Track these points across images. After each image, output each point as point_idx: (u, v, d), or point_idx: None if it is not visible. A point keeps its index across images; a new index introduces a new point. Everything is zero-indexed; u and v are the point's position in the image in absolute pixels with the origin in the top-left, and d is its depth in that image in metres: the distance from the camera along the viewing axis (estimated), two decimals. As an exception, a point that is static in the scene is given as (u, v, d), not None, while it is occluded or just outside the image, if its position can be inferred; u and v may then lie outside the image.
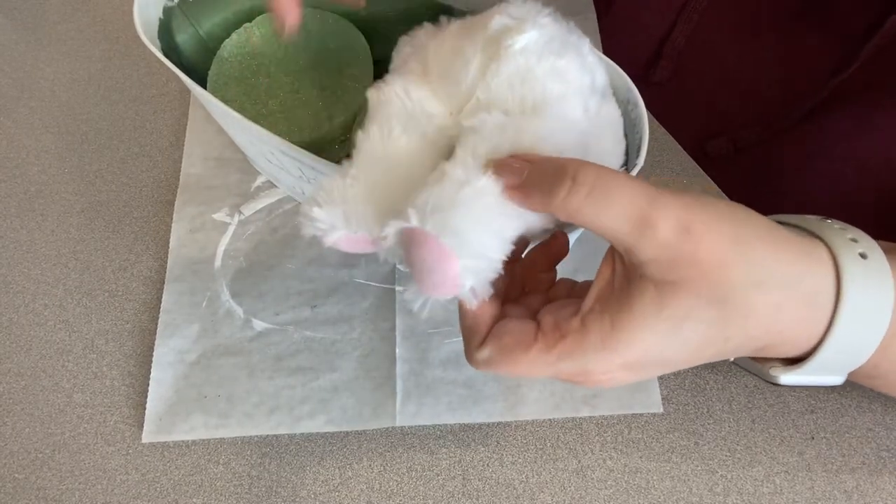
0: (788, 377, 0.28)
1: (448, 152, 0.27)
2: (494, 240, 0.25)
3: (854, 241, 0.27)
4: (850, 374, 0.29)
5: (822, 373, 0.28)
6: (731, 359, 0.30)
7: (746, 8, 0.49)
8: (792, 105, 0.47)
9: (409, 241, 0.25)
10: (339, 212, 0.28)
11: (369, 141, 0.30)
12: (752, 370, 0.31)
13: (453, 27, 0.31)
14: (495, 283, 0.26)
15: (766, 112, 0.50)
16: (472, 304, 0.26)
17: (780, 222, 0.28)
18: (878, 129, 0.44)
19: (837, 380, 0.29)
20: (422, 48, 0.31)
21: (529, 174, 0.25)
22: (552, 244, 0.31)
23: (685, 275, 0.24)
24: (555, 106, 0.27)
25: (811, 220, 0.29)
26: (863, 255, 0.26)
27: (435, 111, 0.30)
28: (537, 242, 0.31)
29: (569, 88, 0.28)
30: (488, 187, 0.25)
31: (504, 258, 0.26)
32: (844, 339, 0.26)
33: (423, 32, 0.32)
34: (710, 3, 0.50)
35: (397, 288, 0.47)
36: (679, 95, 0.53)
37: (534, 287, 0.31)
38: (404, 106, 0.30)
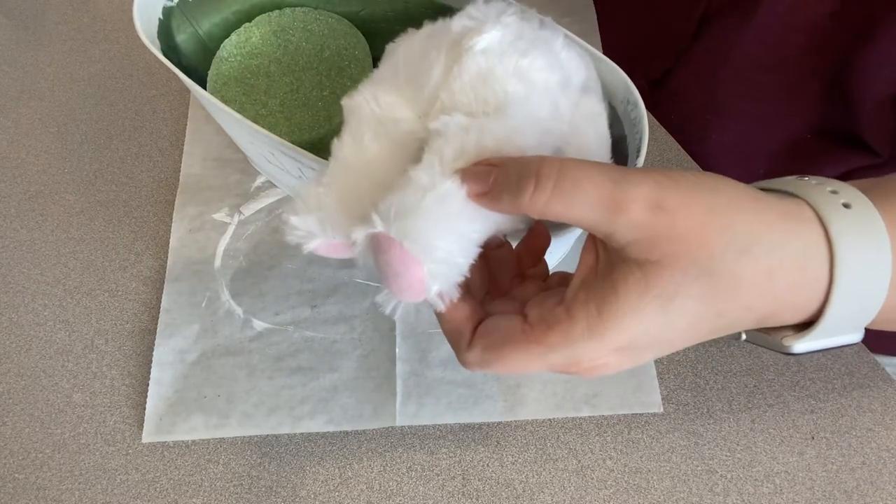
0: (802, 344, 0.27)
1: (418, 155, 0.27)
2: (459, 244, 0.25)
3: (834, 192, 0.26)
4: (869, 325, 0.28)
5: (836, 333, 0.27)
6: (743, 337, 0.30)
7: None
8: (683, 25, 0.50)
9: (376, 247, 0.26)
10: (314, 219, 0.28)
11: (342, 149, 0.30)
12: (766, 344, 0.30)
13: (423, 31, 0.31)
14: (470, 283, 0.26)
15: (668, 40, 0.52)
16: (440, 307, 0.26)
17: (759, 188, 0.27)
18: (756, 26, 0.45)
19: (855, 337, 0.28)
20: (393, 53, 0.31)
21: (495, 179, 0.25)
22: (530, 239, 0.31)
23: (667, 251, 0.24)
24: (518, 106, 0.27)
25: (788, 181, 0.28)
26: (846, 205, 0.25)
27: (403, 116, 0.30)
28: (518, 239, 0.31)
29: (533, 88, 0.28)
30: (452, 192, 0.25)
31: (471, 262, 0.26)
32: (849, 292, 0.25)
33: (406, 36, 0.32)
34: None
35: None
36: (604, 32, 0.56)
37: (523, 281, 0.31)
38: (373, 112, 0.30)
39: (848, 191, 0.26)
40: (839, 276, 0.25)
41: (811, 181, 0.27)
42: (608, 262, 0.26)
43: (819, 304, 0.26)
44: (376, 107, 0.30)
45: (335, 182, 0.29)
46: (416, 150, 0.30)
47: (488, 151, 0.26)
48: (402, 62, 0.31)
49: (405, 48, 0.31)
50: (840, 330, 0.27)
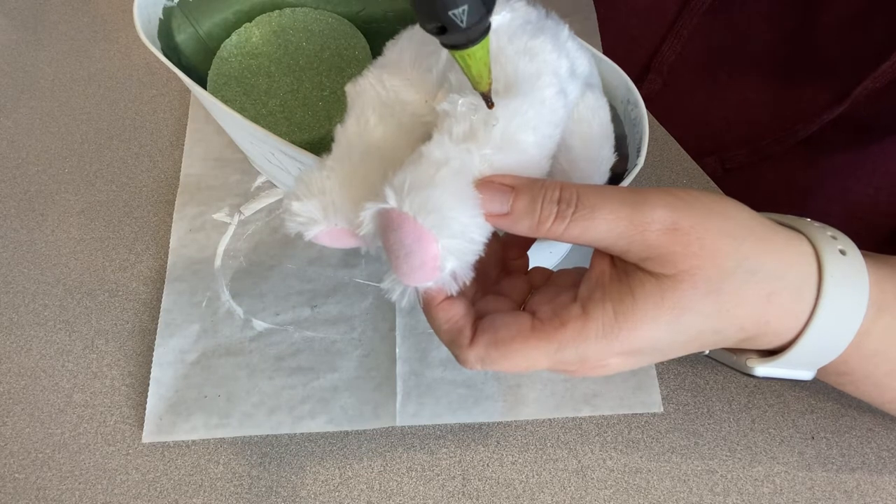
0: (764, 369, 0.29)
1: (424, 140, 0.26)
2: (474, 220, 0.25)
3: (834, 238, 0.27)
4: (821, 372, 0.30)
5: (796, 366, 0.29)
6: (706, 352, 0.31)
7: (736, 39, 0.49)
8: (781, 132, 0.48)
9: (386, 224, 0.25)
10: (316, 204, 0.27)
11: (346, 132, 0.30)
12: (727, 362, 0.31)
13: None
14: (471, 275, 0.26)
15: (755, 135, 0.50)
16: (453, 289, 0.25)
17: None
18: (870, 171, 0.44)
19: (808, 375, 0.29)
20: (397, 39, 0.31)
21: (514, 204, 0.25)
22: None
23: (681, 268, 0.24)
24: (527, 83, 0.27)
25: (791, 217, 0.29)
26: (842, 252, 0.27)
27: (410, 98, 0.30)
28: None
29: (542, 68, 0.28)
30: (466, 168, 0.25)
31: (485, 239, 0.25)
32: (822, 332, 0.27)
33: (408, 28, 0.32)
34: (701, 23, 0.49)
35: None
36: (669, 111, 0.53)
37: (508, 274, 0.32)
38: (379, 95, 0.30)
39: (845, 240, 0.28)
40: (817, 316, 0.26)
41: (813, 223, 0.28)
42: (623, 268, 0.26)
43: (794, 335, 0.27)
44: (382, 89, 0.30)
45: (339, 166, 0.28)
46: (421, 134, 0.29)
47: (497, 129, 0.26)
48: (407, 47, 0.30)
49: (409, 34, 0.31)
50: (800, 364, 0.29)
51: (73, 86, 0.57)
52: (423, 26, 0.23)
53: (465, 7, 0.21)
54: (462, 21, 0.22)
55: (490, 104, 0.25)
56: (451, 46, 0.23)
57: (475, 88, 0.25)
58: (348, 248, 0.34)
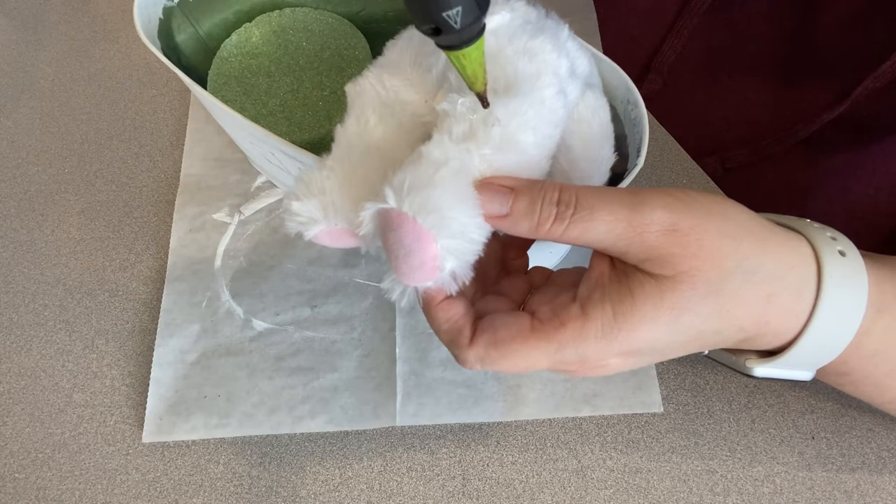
0: (763, 369, 0.29)
1: (424, 139, 0.26)
2: (474, 220, 0.25)
3: (833, 239, 0.28)
4: (821, 372, 0.30)
5: (795, 366, 0.29)
6: (706, 352, 0.31)
7: (736, 39, 0.49)
8: (781, 132, 0.48)
9: (385, 224, 0.25)
10: (316, 204, 0.27)
11: (346, 132, 0.30)
12: (726, 362, 0.32)
13: None
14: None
15: (755, 135, 0.50)
16: (452, 289, 0.25)
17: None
18: (870, 171, 0.44)
19: (807, 375, 0.30)
20: (397, 39, 0.31)
21: (513, 205, 0.25)
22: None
23: (680, 269, 0.24)
24: (527, 83, 0.27)
25: (790, 218, 0.30)
26: (842, 253, 0.27)
27: (409, 98, 0.30)
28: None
29: (542, 68, 0.28)
30: (466, 168, 0.25)
31: (485, 239, 0.25)
32: (821, 332, 0.27)
33: (408, 28, 0.32)
34: (701, 23, 0.49)
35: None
36: (669, 111, 0.53)
37: (508, 274, 0.32)
38: (379, 95, 0.30)
39: (845, 241, 0.28)
40: (816, 317, 0.26)
41: (813, 224, 0.28)
42: (623, 269, 0.26)
43: (793, 336, 0.27)
44: (382, 89, 0.30)
45: (339, 165, 0.28)
46: (421, 134, 0.29)
47: (496, 129, 0.26)
48: (407, 47, 0.30)
49: (409, 34, 0.31)
50: (800, 364, 0.29)
51: (73, 86, 0.57)
52: (417, 27, 0.23)
53: (459, 8, 0.21)
54: (456, 22, 0.22)
55: (485, 104, 0.25)
56: (446, 47, 0.23)
57: (470, 89, 0.25)
58: (348, 248, 0.34)
